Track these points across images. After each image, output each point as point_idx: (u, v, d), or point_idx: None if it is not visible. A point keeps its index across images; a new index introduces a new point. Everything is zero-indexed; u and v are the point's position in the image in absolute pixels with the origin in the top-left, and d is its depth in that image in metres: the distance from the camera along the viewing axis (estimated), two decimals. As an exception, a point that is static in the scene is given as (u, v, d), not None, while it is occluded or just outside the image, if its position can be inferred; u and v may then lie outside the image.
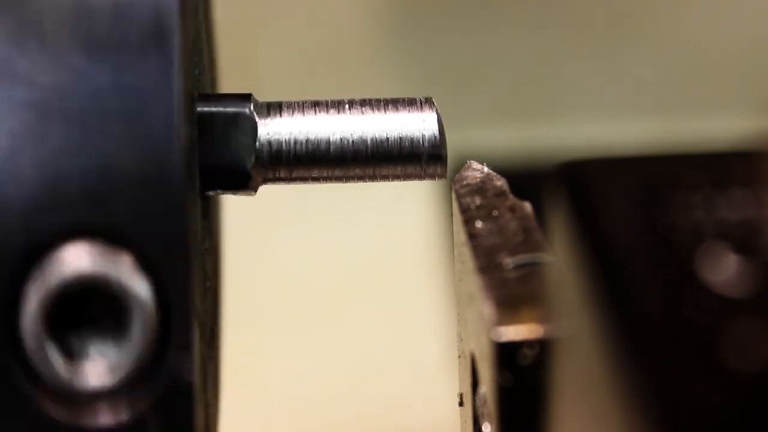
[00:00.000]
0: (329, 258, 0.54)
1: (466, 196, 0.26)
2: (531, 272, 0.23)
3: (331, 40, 0.60)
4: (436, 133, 0.27)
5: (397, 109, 0.27)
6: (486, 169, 0.27)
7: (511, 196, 0.26)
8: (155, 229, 0.23)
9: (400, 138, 0.26)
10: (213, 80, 0.30)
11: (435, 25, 0.60)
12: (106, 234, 0.23)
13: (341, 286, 0.53)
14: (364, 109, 0.27)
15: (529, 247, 0.24)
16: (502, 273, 0.23)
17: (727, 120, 0.58)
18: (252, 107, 0.26)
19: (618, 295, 0.17)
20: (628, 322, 0.17)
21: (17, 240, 0.22)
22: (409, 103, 0.27)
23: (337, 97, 0.27)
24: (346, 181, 0.27)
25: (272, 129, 0.26)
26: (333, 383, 0.48)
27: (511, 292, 0.23)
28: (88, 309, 0.23)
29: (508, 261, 0.24)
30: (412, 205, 0.56)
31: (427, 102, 0.27)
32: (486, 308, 0.22)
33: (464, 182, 0.26)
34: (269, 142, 0.26)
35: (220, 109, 0.26)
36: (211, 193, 0.26)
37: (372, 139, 0.26)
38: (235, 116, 0.26)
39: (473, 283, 0.24)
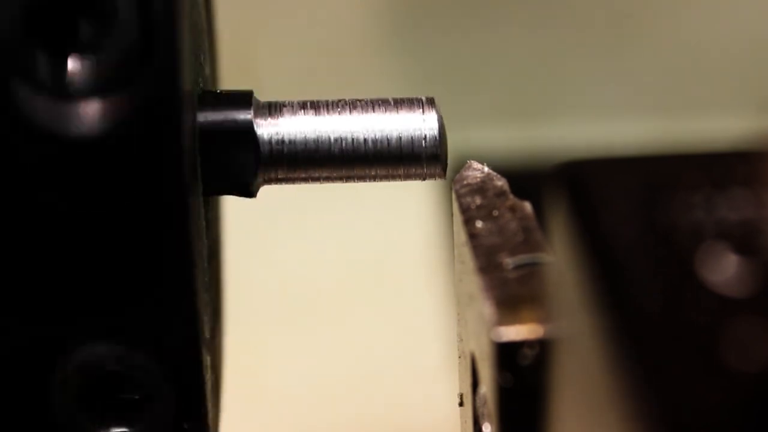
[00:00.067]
0: (329, 258, 0.54)
1: (466, 196, 0.26)
2: (531, 272, 0.23)
3: (331, 40, 0.60)
4: (437, 133, 0.27)
5: (397, 109, 0.27)
6: (486, 169, 0.27)
7: (511, 196, 0.26)
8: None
9: (401, 138, 0.26)
10: (213, 79, 0.30)
11: (435, 25, 0.60)
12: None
13: (341, 286, 0.53)
14: (364, 109, 0.27)
15: (529, 247, 0.24)
16: (502, 273, 0.23)
17: (727, 120, 0.58)
18: (252, 109, 0.26)
19: (618, 295, 0.17)
20: (628, 322, 0.17)
21: None
22: (411, 103, 0.27)
23: (337, 97, 0.27)
24: (346, 181, 0.27)
25: (272, 129, 0.26)
26: (333, 383, 0.48)
27: (511, 292, 0.23)
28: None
29: (508, 261, 0.24)
30: (412, 205, 0.56)
31: (429, 102, 0.27)
32: (486, 308, 0.22)
33: (464, 182, 0.26)
34: (270, 143, 0.26)
35: (221, 113, 0.26)
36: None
37: (372, 140, 0.26)
38: (236, 121, 0.26)
39: (473, 283, 0.24)
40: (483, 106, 0.61)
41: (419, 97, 0.27)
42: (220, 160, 0.26)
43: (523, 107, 0.61)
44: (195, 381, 0.24)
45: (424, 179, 0.27)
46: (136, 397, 0.24)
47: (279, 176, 0.26)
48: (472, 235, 0.25)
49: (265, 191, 0.27)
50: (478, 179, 0.26)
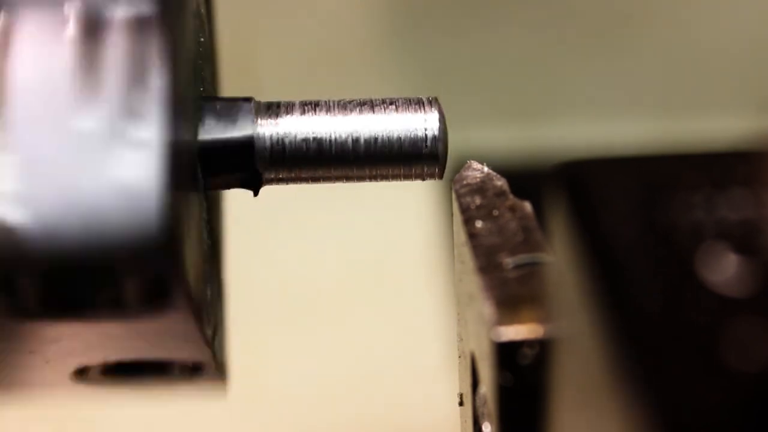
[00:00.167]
0: (329, 258, 0.54)
1: (466, 196, 0.26)
2: (531, 272, 0.23)
3: (331, 40, 0.60)
4: (437, 133, 0.27)
5: (398, 109, 0.27)
6: (486, 169, 0.27)
7: (511, 196, 0.26)
8: None
9: (401, 138, 0.26)
10: (214, 81, 0.30)
11: (435, 25, 0.60)
12: None
13: (341, 286, 0.53)
14: (364, 109, 0.27)
15: (529, 247, 0.24)
16: (502, 273, 0.23)
17: (727, 120, 0.58)
18: (252, 109, 0.26)
19: (618, 295, 0.17)
20: (628, 322, 0.17)
21: None
22: (412, 103, 0.27)
23: (337, 97, 0.27)
24: (346, 181, 0.27)
25: (273, 129, 0.26)
26: (333, 383, 0.48)
27: (511, 292, 0.23)
28: None
29: (508, 261, 0.24)
30: (412, 205, 0.56)
31: (430, 102, 0.27)
32: (486, 308, 0.22)
33: (464, 182, 0.26)
34: (270, 143, 0.26)
35: (221, 114, 0.26)
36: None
37: (373, 140, 0.26)
38: (236, 121, 0.26)
39: (473, 283, 0.24)
40: (483, 106, 0.61)
41: (421, 97, 0.27)
42: (220, 161, 0.26)
43: (523, 107, 0.61)
44: None
45: (424, 179, 0.27)
46: None
47: (279, 176, 0.26)
48: (472, 235, 0.25)
49: (265, 191, 0.27)
50: (478, 179, 0.26)
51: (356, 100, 0.27)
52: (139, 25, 0.22)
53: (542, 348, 0.21)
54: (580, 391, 0.19)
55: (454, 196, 0.26)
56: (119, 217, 0.21)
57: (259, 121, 0.26)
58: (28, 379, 0.27)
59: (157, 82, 0.22)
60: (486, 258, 0.24)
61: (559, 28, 0.60)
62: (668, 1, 0.61)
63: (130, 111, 0.22)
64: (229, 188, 0.27)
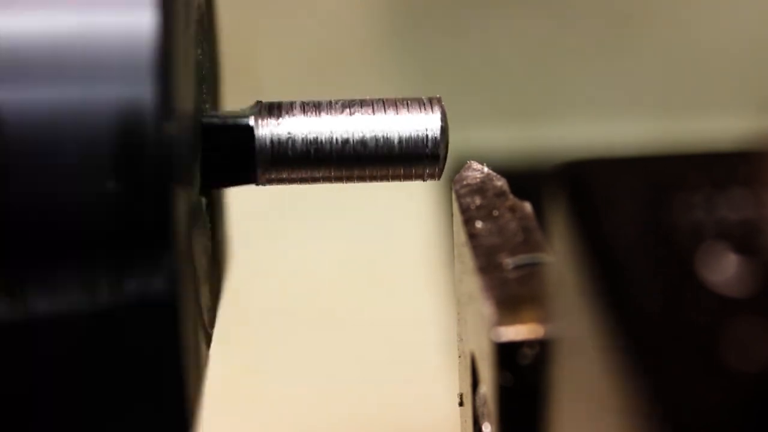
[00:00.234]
0: (329, 258, 0.54)
1: (466, 196, 0.26)
2: (531, 272, 0.23)
3: (331, 40, 0.60)
4: (438, 133, 0.27)
5: (398, 109, 0.27)
6: (486, 169, 0.27)
7: (511, 196, 0.26)
8: None
9: (401, 139, 0.26)
10: (216, 83, 0.30)
11: (435, 25, 0.60)
12: None
13: (341, 286, 0.53)
14: (365, 109, 0.27)
15: (529, 247, 0.24)
16: (502, 273, 0.23)
17: (727, 120, 0.58)
18: (253, 109, 0.26)
19: (618, 296, 0.17)
20: (628, 322, 0.17)
21: None
22: (413, 103, 0.27)
23: (337, 97, 0.27)
24: (346, 182, 0.27)
25: (273, 129, 0.26)
26: (332, 383, 0.48)
27: (511, 292, 0.23)
28: None
29: (508, 261, 0.24)
30: (412, 205, 0.56)
31: (432, 102, 0.27)
32: (486, 308, 0.22)
33: (464, 182, 0.26)
34: (270, 143, 0.26)
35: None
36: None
37: (374, 140, 0.26)
38: (236, 121, 0.26)
39: (473, 283, 0.24)
40: (483, 106, 0.61)
41: (422, 97, 0.27)
42: (221, 160, 0.26)
43: (523, 107, 0.61)
44: None
45: (424, 180, 0.27)
46: None
47: (280, 176, 0.27)
48: (472, 235, 0.25)
49: (266, 191, 0.27)
50: (478, 179, 0.26)
51: (357, 101, 0.27)
52: None
53: (542, 348, 0.21)
54: (580, 391, 0.19)
55: (454, 196, 0.26)
56: None
57: (259, 121, 0.26)
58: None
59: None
60: (486, 258, 0.24)
61: (559, 28, 0.60)
62: (668, 1, 0.61)
63: None
64: (229, 187, 0.27)
